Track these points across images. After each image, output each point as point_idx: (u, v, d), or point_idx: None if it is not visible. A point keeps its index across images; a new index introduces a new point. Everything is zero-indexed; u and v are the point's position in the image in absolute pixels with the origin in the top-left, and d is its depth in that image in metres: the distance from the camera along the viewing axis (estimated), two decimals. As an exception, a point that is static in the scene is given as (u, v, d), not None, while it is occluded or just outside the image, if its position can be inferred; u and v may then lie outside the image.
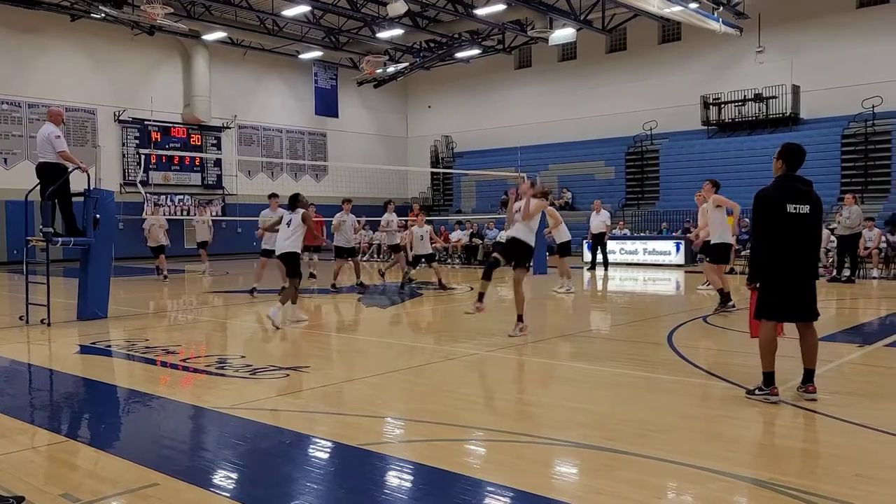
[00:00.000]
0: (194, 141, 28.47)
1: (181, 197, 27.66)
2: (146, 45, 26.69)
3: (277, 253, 10.15)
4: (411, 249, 15.04)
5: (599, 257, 19.63)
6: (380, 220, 16.54)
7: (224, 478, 4.08)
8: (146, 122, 27.07)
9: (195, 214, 19.85)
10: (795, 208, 5.30)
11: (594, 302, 13.47)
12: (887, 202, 21.36)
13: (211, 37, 26.87)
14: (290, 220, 9.96)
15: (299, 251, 10.06)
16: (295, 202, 10.04)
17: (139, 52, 26.81)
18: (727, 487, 3.80)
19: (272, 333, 9.25)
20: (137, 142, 26.69)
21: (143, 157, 23.84)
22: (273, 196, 13.67)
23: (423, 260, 14.82)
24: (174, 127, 28.00)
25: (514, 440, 4.66)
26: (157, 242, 17.73)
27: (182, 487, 3.83)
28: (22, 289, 10.40)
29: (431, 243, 15.16)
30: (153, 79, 27.61)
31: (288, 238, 9.87)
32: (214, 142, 29.32)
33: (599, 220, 19.42)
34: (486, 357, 7.47)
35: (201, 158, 28.17)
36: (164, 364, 7.31)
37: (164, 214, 24.31)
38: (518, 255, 8.51)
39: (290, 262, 9.96)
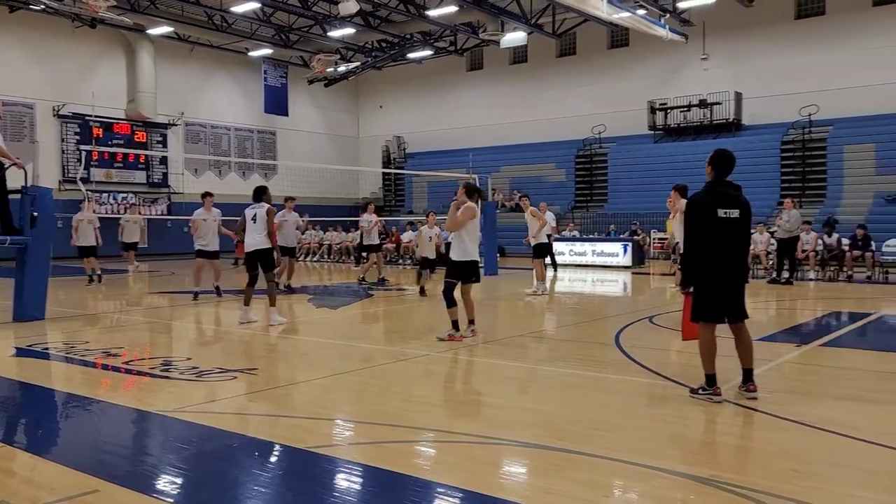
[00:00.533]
0: (139, 138, 27.77)
1: (125, 195, 26.96)
2: (88, 39, 25.93)
3: (249, 250, 9.86)
4: (417, 249, 15.09)
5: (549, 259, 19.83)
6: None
7: (167, 483, 3.98)
8: (87, 118, 26.30)
9: (125, 214, 19.21)
10: (725, 213, 5.45)
11: (544, 303, 13.60)
12: (823, 206, 22.16)
13: (156, 31, 26.25)
14: (255, 215, 9.79)
15: (272, 246, 9.85)
16: (261, 195, 9.89)
17: (81, 46, 26.03)
18: (671, 485, 3.88)
19: (221, 335, 9.07)
20: (78, 138, 25.88)
21: (84, 153, 23.28)
22: (207, 195, 13.13)
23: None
24: (117, 123, 27.27)
25: (465, 441, 4.67)
26: (87, 242, 16.15)
27: (123, 493, 3.73)
28: (-46, 289, 9.99)
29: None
30: (95, 73, 26.83)
31: (260, 233, 9.72)
32: (160, 139, 28.66)
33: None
34: (437, 358, 7.48)
35: (146, 156, 27.49)
36: (105, 367, 7.10)
37: (107, 213, 23.67)
38: (463, 273, 8.42)
39: (266, 258, 9.82)
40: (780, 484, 3.81)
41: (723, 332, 5.64)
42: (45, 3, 22.21)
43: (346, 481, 4.04)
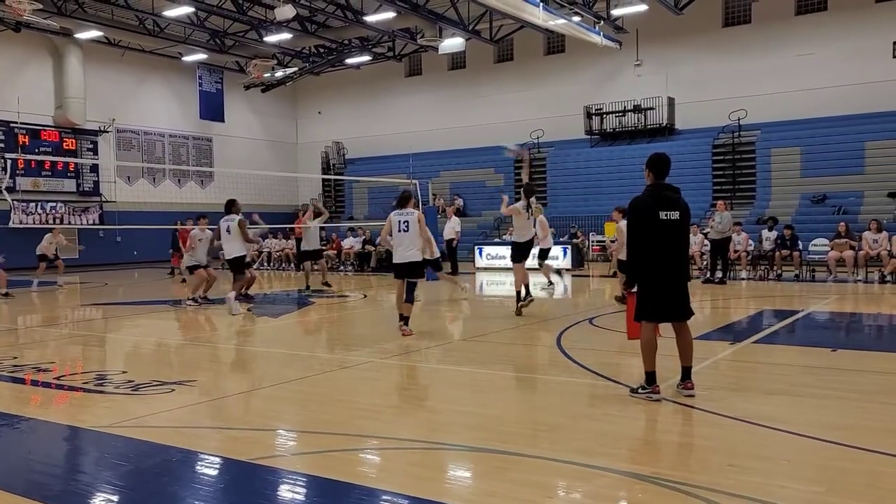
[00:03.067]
0: (68, 145, 26.82)
1: (53, 204, 25.99)
2: (12, 43, 24.93)
3: (229, 257, 11.77)
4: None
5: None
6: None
7: (103, 501, 3.86)
8: (13, 125, 25.25)
9: (48, 233, 18.37)
10: (666, 215, 5.61)
11: (484, 306, 13.69)
12: (753, 208, 22.97)
13: (85, 35, 25.41)
14: (229, 227, 11.54)
15: (244, 253, 12.00)
16: (230, 207, 11.76)
17: (4, 50, 25.00)
18: (613, 483, 3.96)
19: (158, 347, 8.82)
20: (3, 145, 24.81)
21: (8, 161, 22.34)
22: (202, 217, 14.04)
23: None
24: (45, 130, 26.27)
25: (408, 447, 4.67)
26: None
27: (56, 514, 3.59)
28: None
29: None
30: (20, 78, 25.79)
31: (236, 242, 11.59)
32: (90, 146, 27.72)
33: (450, 227, 19.97)
34: (380, 365, 7.45)
35: (76, 164, 26.56)
36: (34, 383, 6.83)
37: (34, 223, 22.81)
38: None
39: (238, 265, 11.83)
40: (719, 478, 3.92)
41: (664, 331, 5.80)
42: (-36, 6, 21.26)
43: (290, 492, 3.99)
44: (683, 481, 3.88)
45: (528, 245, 11.26)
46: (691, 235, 17.39)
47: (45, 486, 4.05)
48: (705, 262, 17.08)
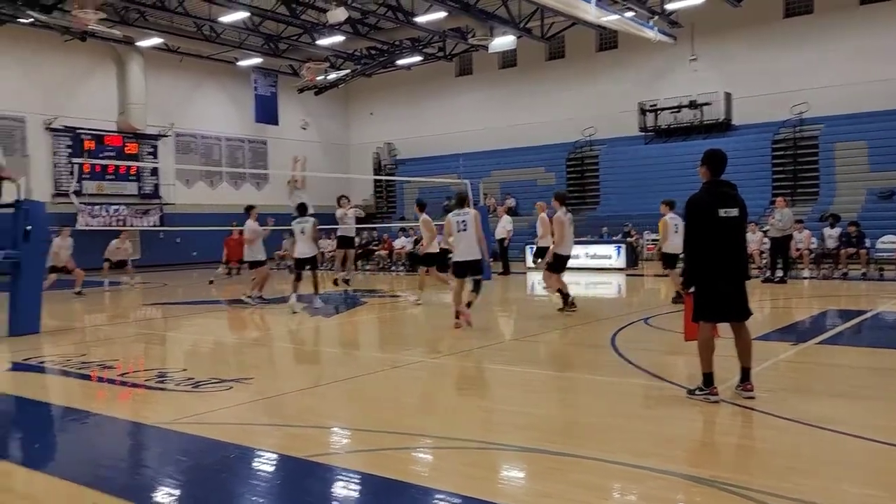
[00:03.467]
0: (130, 149, 27.69)
1: (116, 207, 26.88)
2: (78, 52, 25.87)
3: (303, 257, 12.42)
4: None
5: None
6: (321, 229, 16.28)
7: (165, 495, 3.97)
8: (78, 131, 26.22)
9: (116, 239, 18.70)
10: (726, 212, 5.49)
11: (538, 306, 13.61)
12: (816, 204, 22.25)
13: (146, 43, 26.20)
14: (304, 228, 12.30)
15: (315, 253, 12.81)
16: (303, 210, 12.53)
17: (71, 59, 25.96)
18: (670, 486, 3.89)
19: (216, 345, 9.04)
20: (70, 151, 25.78)
21: (75, 166, 23.20)
22: (251, 208, 13.81)
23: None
24: (108, 135, 27.17)
25: (461, 447, 4.68)
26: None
27: (122, 507, 3.72)
28: (-53, 305, 9.94)
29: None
30: (86, 86, 26.75)
31: (309, 242, 12.39)
32: (151, 150, 28.57)
33: (501, 226, 19.86)
34: (431, 364, 7.48)
35: (138, 167, 27.42)
36: (100, 379, 7.08)
37: (99, 225, 23.59)
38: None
39: (307, 265, 12.56)
40: (779, 482, 3.82)
41: (722, 331, 5.67)
42: (34, 17, 22.13)
43: (346, 490, 4.04)
44: (742, 485, 3.79)
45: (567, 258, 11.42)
46: (751, 233, 16.97)
47: (110, 480, 4.19)
48: (765, 261, 16.63)
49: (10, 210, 9.75)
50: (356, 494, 3.96)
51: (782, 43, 24.64)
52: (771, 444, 4.62)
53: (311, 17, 25.11)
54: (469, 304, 9.62)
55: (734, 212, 5.51)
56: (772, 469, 4.11)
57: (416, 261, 13.42)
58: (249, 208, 13.78)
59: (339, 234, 15.85)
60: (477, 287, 9.81)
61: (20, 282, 9.89)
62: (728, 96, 25.47)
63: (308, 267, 12.57)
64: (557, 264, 11.11)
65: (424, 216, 12.83)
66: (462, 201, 9.96)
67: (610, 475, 4.08)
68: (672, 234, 12.01)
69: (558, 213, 11.04)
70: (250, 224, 13.53)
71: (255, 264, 13.59)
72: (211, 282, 18.52)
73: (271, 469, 4.43)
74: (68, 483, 4.08)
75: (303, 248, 12.47)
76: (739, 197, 5.61)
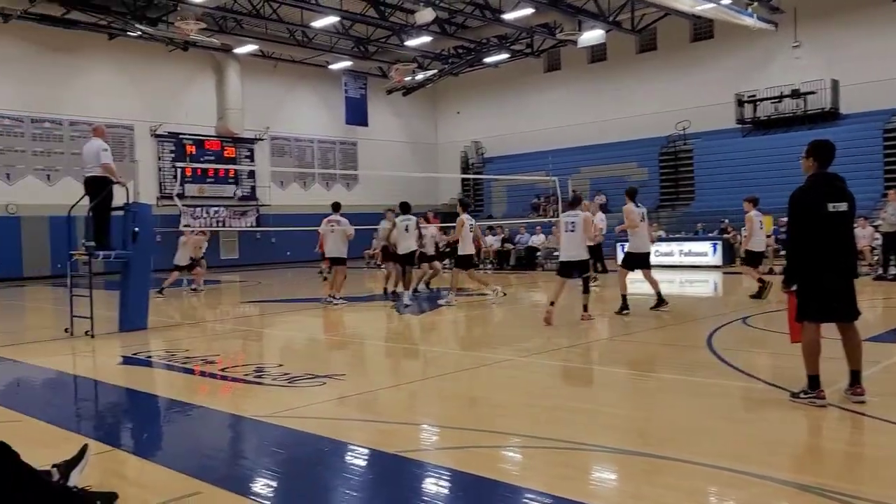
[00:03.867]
0: (228, 153, 28.90)
1: (216, 209, 28.09)
2: (180, 61, 27.21)
3: (404, 252, 12.96)
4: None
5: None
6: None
7: (264, 486, 4.11)
8: (181, 136, 27.57)
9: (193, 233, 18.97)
10: (834, 206, 5.19)
11: (630, 305, 13.29)
12: (932, 197, 20.78)
13: (242, 50, 27.28)
14: (408, 225, 12.97)
15: (416, 249, 13.32)
16: (407, 208, 13.20)
17: (174, 68, 27.34)
18: (770, 492, 3.72)
19: (310, 342, 9.27)
20: (173, 155, 27.19)
21: (178, 170, 24.42)
22: (391, 211, 15.28)
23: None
24: (208, 140, 28.47)
25: (551, 447, 4.62)
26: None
27: (223, 496, 3.87)
28: (66, 302, 10.65)
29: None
30: (187, 93, 28.12)
31: (412, 239, 12.97)
32: (248, 153, 29.73)
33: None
34: (521, 363, 7.44)
35: (235, 170, 28.59)
36: (203, 374, 7.41)
37: (200, 226, 24.68)
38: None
39: (410, 260, 13.17)
40: (889, 492, 3.59)
41: (829, 332, 5.37)
42: (141, 30, 23.44)
43: (436, 486, 4.06)
44: (852, 494, 3.58)
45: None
46: (861, 229, 16.04)
47: (213, 470, 4.37)
48: (876, 258, 15.67)
49: (120, 213, 10.34)
50: (446, 491, 3.98)
51: (894, 25, 23.13)
52: (883, 451, 4.34)
53: (399, 19, 25.46)
54: (585, 307, 10.04)
55: (843, 206, 5.20)
56: (884, 478, 3.86)
57: (456, 262, 13.39)
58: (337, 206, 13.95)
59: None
60: (586, 287, 10.12)
61: (129, 280, 10.48)
62: (835, 84, 24.14)
63: (410, 263, 13.20)
64: (628, 261, 11.16)
65: (462, 217, 12.84)
66: (576, 202, 10.32)
67: (707, 479, 3.93)
68: (757, 230, 11.73)
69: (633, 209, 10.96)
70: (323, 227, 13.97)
71: (336, 261, 13.72)
72: (325, 278, 18.43)
73: (363, 463, 4.51)
74: (175, 472, 4.28)
75: (405, 244, 13.00)
76: (848, 190, 5.30)
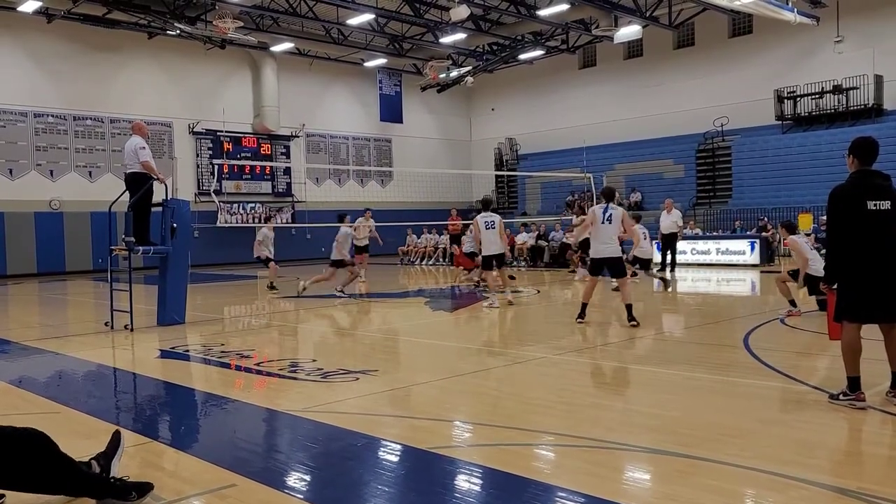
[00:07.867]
0: (264, 150, 29.24)
1: (253, 205, 28.44)
2: (218, 59, 27.60)
3: (491, 253, 12.11)
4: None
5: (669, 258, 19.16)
6: (443, 224, 16.46)
7: (297, 479, 4.16)
8: (218, 133, 27.97)
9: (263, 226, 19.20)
10: (876, 205, 5.07)
11: (665, 304, 13.16)
12: (980, 195, 20.17)
13: (279, 48, 27.56)
14: (492, 223, 12.07)
15: (503, 251, 12.48)
16: (488, 205, 12.52)
17: (211, 66, 27.75)
18: (809, 496, 3.65)
19: (343, 337, 9.34)
20: (210, 152, 27.61)
21: (215, 167, 24.80)
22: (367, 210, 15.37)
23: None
24: (245, 137, 28.83)
25: (585, 445, 4.59)
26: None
27: (257, 488, 3.92)
28: (107, 296, 10.87)
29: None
30: (225, 91, 28.51)
31: (496, 238, 12.08)
32: (284, 150, 30.04)
33: (670, 221, 18.89)
34: (554, 360, 7.40)
35: (271, 167, 28.92)
36: (238, 368, 7.51)
37: (238, 222, 25.06)
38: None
39: (493, 260, 12.25)
40: (936, 499, 3.49)
41: (871, 333, 5.25)
42: (179, 29, 23.83)
43: (468, 483, 4.07)
44: (894, 499, 3.49)
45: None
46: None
47: (248, 462, 4.43)
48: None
49: (159, 209, 10.53)
50: (477, 488, 3.98)
51: (942, 18, 22.50)
52: (928, 456, 4.23)
53: (434, 16, 25.48)
54: (629, 308, 9.31)
55: (886, 204, 5.08)
56: (929, 484, 3.76)
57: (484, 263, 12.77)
58: (343, 216, 14.69)
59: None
60: (624, 286, 9.65)
61: (168, 275, 10.67)
62: (879, 79, 23.55)
63: (496, 263, 12.30)
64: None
65: (476, 218, 12.59)
66: (610, 195, 9.82)
67: (743, 481, 3.87)
68: (807, 250, 10.06)
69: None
70: (344, 229, 14.42)
71: (357, 250, 14.17)
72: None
73: (395, 459, 4.54)
74: (210, 464, 4.35)
75: (491, 243, 12.12)
76: (893, 188, 5.17)
